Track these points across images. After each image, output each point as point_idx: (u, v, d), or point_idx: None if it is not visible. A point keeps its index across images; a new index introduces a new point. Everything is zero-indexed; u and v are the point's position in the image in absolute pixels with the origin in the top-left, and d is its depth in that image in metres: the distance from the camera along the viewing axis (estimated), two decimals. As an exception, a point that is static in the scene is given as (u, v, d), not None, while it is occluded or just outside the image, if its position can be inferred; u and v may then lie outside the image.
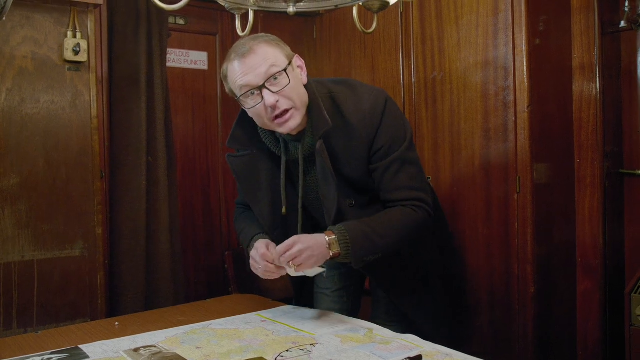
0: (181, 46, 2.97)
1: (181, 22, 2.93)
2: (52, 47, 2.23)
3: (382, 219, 1.64)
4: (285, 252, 1.53)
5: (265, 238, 1.71)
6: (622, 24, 2.30)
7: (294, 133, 1.63)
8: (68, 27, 2.26)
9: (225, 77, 1.62)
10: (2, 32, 2.15)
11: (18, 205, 2.18)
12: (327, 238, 1.56)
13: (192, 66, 3.02)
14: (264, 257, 1.60)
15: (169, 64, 2.77)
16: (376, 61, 2.80)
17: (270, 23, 3.07)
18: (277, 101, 1.54)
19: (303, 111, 1.60)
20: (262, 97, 1.54)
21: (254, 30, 1.72)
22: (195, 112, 3.03)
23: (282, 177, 1.71)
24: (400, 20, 2.66)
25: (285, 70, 1.55)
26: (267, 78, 1.53)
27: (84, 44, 2.27)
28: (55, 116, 2.25)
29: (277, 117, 1.56)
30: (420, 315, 1.83)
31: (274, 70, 1.54)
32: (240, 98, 1.59)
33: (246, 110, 1.63)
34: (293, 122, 1.58)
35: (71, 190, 2.28)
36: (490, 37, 2.30)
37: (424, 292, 1.87)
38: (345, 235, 1.56)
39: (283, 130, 1.59)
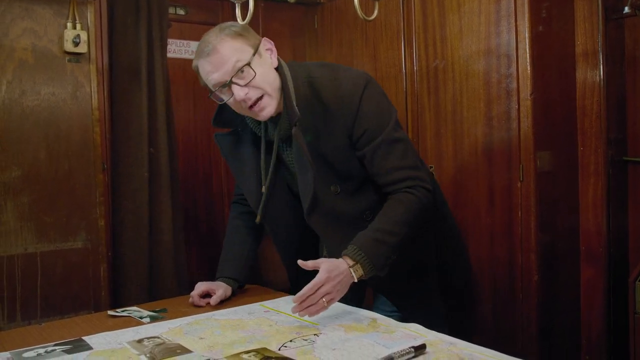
0: (181, 36, 2.95)
1: (181, 12, 2.91)
2: (52, 38, 2.22)
3: (387, 217, 1.64)
4: (318, 288, 1.50)
5: (226, 281, 1.88)
6: (626, 10, 2.28)
7: (274, 115, 1.67)
8: (68, 19, 2.25)
9: (197, 73, 1.68)
10: (2, 24, 2.14)
11: (20, 197, 2.17)
12: (349, 266, 1.55)
13: (193, 56, 2.99)
14: (195, 301, 1.79)
15: (169, 55, 2.75)
16: (378, 50, 2.78)
17: (271, 12, 3.05)
18: (247, 93, 1.59)
19: (276, 95, 1.64)
20: (232, 93, 1.59)
21: (255, 20, 1.72)
22: (196, 102, 3.01)
23: (262, 156, 1.76)
24: (401, 8, 2.64)
25: (249, 63, 1.59)
26: (234, 73, 1.59)
27: (84, 35, 2.26)
28: (56, 108, 2.24)
29: (251, 106, 1.62)
30: (415, 315, 1.76)
31: (239, 65, 1.58)
32: (214, 93, 1.65)
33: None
34: (268, 111, 1.64)
35: (73, 183, 2.28)
36: (493, 24, 2.28)
37: (419, 293, 1.86)
38: (360, 253, 1.56)
39: (261, 118, 1.65)
